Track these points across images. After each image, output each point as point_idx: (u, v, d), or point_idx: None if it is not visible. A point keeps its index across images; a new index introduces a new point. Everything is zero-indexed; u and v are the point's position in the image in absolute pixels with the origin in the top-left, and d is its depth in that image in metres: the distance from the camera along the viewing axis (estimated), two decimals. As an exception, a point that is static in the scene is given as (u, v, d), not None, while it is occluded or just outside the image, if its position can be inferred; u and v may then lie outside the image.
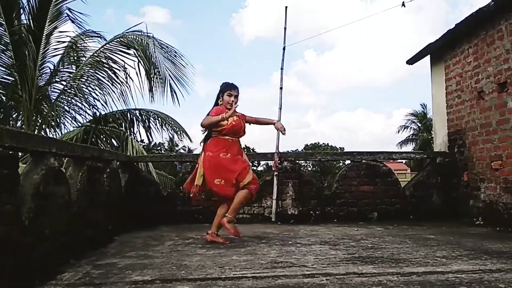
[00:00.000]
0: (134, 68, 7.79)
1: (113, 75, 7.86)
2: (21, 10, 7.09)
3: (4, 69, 7.29)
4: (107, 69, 7.87)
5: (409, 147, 34.64)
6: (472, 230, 4.54)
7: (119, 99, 7.94)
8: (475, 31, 5.19)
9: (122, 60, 7.83)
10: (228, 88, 3.91)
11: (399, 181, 5.94)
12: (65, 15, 7.52)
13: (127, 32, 7.93)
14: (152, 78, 7.96)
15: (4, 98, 7.50)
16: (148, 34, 7.94)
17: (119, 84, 7.89)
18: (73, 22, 7.57)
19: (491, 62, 4.92)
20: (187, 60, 8.26)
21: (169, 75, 8.15)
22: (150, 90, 8.01)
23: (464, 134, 5.54)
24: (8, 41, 6.90)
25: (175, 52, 8.13)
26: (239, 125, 3.93)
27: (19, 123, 7.72)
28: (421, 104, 35.09)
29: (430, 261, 2.89)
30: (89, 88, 7.87)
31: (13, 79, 7.23)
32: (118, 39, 7.85)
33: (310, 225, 5.11)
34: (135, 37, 7.90)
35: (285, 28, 6.20)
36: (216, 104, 3.97)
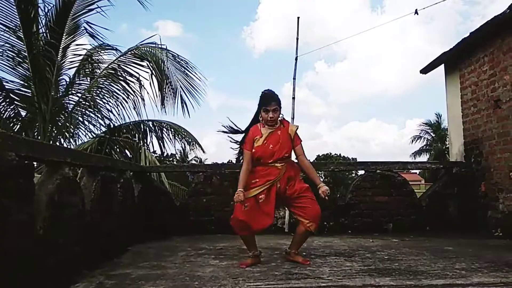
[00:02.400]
0: (148, 80, 7.89)
1: (126, 87, 7.96)
2: (40, 24, 7.24)
3: (21, 82, 7.43)
4: (121, 81, 7.96)
5: (422, 158, 34.13)
6: (491, 242, 4.42)
7: (130, 109, 8.00)
8: (490, 39, 5.12)
9: (136, 72, 7.93)
10: (264, 103, 3.27)
11: (415, 191, 5.85)
12: (82, 28, 7.64)
13: (141, 44, 8.03)
14: (164, 89, 8.02)
15: (21, 110, 7.63)
16: (162, 46, 8.05)
17: (132, 95, 7.97)
18: (91, 36, 7.65)
19: (508, 70, 4.84)
20: (199, 71, 8.33)
21: (180, 86, 8.21)
22: (162, 101, 8.07)
23: (481, 144, 5.43)
24: (26, 54, 7.04)
25: (187, 63, 8.21)
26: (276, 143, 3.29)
27: (34, 134, 7.83)
28: (435, 114, 34.59)
29: (449, 274, 2.82)
30: (103, 100, 7.96)
31: (30, 91, 7.36)
32: (132, 51, 7.95)
33: (324, 236, 5.04)
34: (148, 49, 7.99)
35: (297, 38, 6.31)
36: (256, 116, 3.42)
